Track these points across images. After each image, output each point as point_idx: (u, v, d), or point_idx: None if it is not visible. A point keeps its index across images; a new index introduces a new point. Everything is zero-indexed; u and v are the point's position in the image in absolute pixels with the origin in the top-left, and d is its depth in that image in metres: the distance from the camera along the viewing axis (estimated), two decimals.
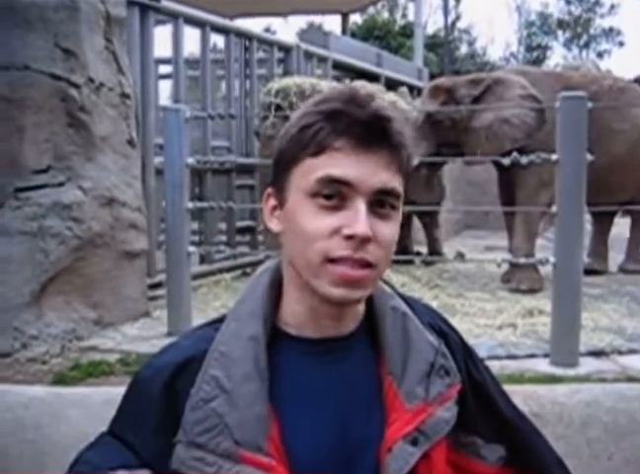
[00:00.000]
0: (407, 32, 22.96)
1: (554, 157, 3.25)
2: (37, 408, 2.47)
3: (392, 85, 8.46)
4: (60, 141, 3.52)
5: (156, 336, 3.67)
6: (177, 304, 3.74)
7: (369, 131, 0.89)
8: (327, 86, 5.32)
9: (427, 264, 6.09)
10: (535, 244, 5.36)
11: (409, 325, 1.00)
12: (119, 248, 3.84)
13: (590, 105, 3.25)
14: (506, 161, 3.62)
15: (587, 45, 33.25)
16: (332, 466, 0.91)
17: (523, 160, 3.49)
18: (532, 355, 3.35)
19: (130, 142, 4.03)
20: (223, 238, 5.88)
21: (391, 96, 6.31)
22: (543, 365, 3.19)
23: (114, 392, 2.49)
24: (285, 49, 6.55)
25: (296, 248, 0.92)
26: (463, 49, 32.45)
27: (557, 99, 3.29)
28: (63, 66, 3.51)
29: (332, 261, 0.88)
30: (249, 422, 0.88)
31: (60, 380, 2.99)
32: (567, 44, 33.41)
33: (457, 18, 31.78)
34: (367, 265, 0.89)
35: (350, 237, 0.87)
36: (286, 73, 6.35)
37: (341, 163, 0.88)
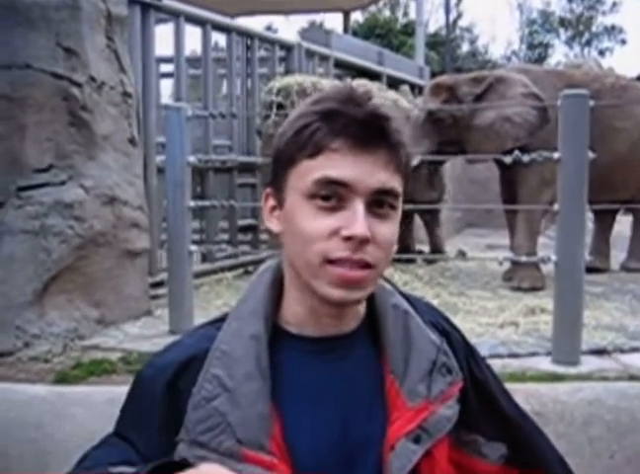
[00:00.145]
0: (408, 30, 22.96)
1: (556, 155, 3.25)
2: (39, 407, 2.47)
3: (394, 83, 8.46)
4: (62, 140, 3.52)
5: (158, 334, 3.67)
6: (179, 303, 3.74)
7: (366, 131, 0.88)
8: (328, 84, 5.31)
9: (428, 262, 6.08)
10: (537, 242, 5.36)
11: (410, 323, 1.00)
12: (120, 247, 3.84)
13: (592, 103, 3.24)
14: (507, 159, 3.62)
15: (588, 43, 33.20)
16: (334, 464, 0.91)
17: (525, 158, 3.48)
18: (534, 354, 3.35)
19: (132, 141, 4.03)
20: (225, 237, 5.88)
21: (392, 94, 6.30)
22: (545, 364, 3.19)
23: (116, 391, 2.50)
24: (287, 48, 6.54)
25: (296, 249, 0.92)
26: (465, 48, 32.43)
27: (559, 97, 3.28)
28: (65, 65, 3.51)
29: (331, 262, 0.88)
30: (251, 420, 0.88)
31: (62, 379, 2.99)
32: (569, 42, 33.37)
33: (459, 16, 31.75)
34: (366, 265, 0.89)
35: (348, 238, 0.87)
36: (288, 72, 6.34)
37: (338, 164, 0.88)
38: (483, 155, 5.11)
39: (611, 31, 32.79)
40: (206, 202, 4.48)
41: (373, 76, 8.00)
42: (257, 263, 5.48)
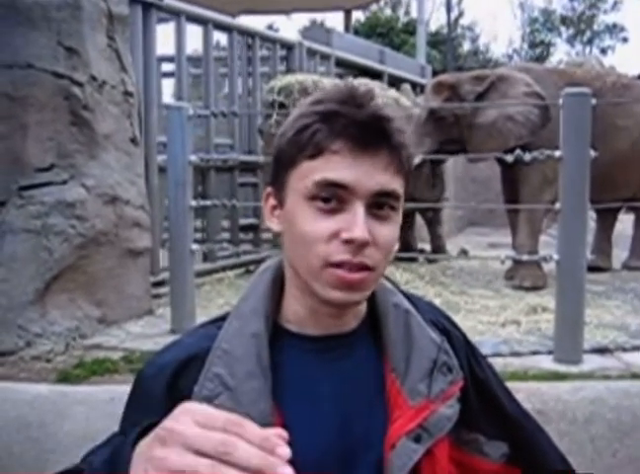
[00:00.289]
0: (410, 29, 22.94)
1: (557, 154, 3.25)
2: (41, 406, 2.48)
3: (395, 82, 8.46)
4: (63, 139, 3.53)
5: (160, 333, 3.67)
6: (180, 302, 3.75)
7: (367, 132, 0.88)
8: (329, 83, 5.31)
9: (430, 261, 6.08)
10: (539, 241, 5.35)
11: (411, 322, 0.99)
12: (122, 246, 3.85)
13: (593, 101, 3.24)
14: (509, 158, 3.61)
15: (590, 42, 33.14)
16: (334, 463, 0.91)
17: (527, 157, 3.48)
18: (536, 353, 3.35)
19: (133, 140, 4.03)
20: (226, 236, 5.88)
21: (394, 93, 6.30)
22: (547, 362, 3.19)
23: (117, 390, 2.50)
24: (288, 47, 6.54)
25: (296, 250, 0.92)
26: (466, 46, 32.40)
27: (560, 96, 3.28)
28: (66, 64, 3.52)
29: (331, 265, 0.88)
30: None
31: (64, 378, 3.00)
32: (570, 41, 33.31)
33: (460, 15, 31.74)
34: (366, 268, 0.89)
35: (348, 241, 0.87)
36: (289, 71, 6.34)
37: (338, 166, 0.87)
38: (485, 154, 5.11)
39: (613, 29, 32.74)
40: (208, 202, 4.48)
41: (375, 75, 7.99)
42: (258, 262, 5.48)
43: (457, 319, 1.14)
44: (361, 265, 0.88)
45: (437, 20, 30.96)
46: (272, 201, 0.97)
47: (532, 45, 33.14)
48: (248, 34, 6.04)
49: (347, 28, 12.66)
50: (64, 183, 3.52)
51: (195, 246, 3.83)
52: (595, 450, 2.40)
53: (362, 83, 5.53)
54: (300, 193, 0.90)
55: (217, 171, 5.60)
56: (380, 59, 8.77)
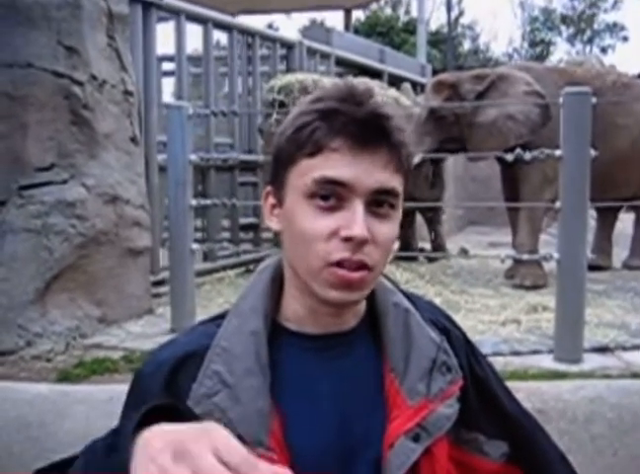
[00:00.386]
0: (410, 28, 22.92)
1: (558, 153, 3.24)
2: (41, 405, 2.47)
3: (395, 81, 8.45)
4: (64, 139, 3.53)
5: (160, 333, 3.67)
6: (180, 301, 3.75)
7: (366, 130, 0.87)
8: (329, 83, 5.31)
9: (430, 260, 6.08)
10: (539, 240, 5.35)
11: (411, 321, 0.99)
12: (122, 245, 3.85)
13: (594, 100, 3.24)
14: (509, 157, 3.61)
15: (590, 41, 33.12)
16: (333, 461, 0.91)
17: (527, 156, 3.48)
18: (536, 352, 3.35)
19: (133, 140, 4.03)
20: (226, 235, 5.88)
21: (394, 92, 6.30)
22: (547, 362, 3.19)
23: (118, 389, 2.50)
24: (288, 46, 6.54)
25: (296, 250, 0.92)
26: (466, 45, 32.37)
27: (561, 95, 3.28)
28: (66, 64, 3.52)
29: (331, 264, 0.88)
30: (251, 416, 0.88)
31: (64, 378, 3.00)
32: (570, 40, 33.29)
33: (460, 14, 31.70)
34: (365, 267, 0.89)
35: (347, 239, 0.87)
36: (289, 70, 6.34)
37: (337, 164, 0.87)
38: (485, 153, 5.11)
39: (613, 28, 32.71)
40: (208, 201, 4.48)
41: (375, 74, 7.99)
42: (258, 261, 5.46)
43: (457, 318, 1.14)
44: (361, 263, 0.88)
45: (437, 19, 31.02)
46: (271, 200, 0.97)
47: (533, 44, 33.12)
48: (248, 33, 6.04)
49: (347, 27, 12.66)
50: (64, 182, 3.52)
51: (195, 245, 3.83)
52: (595, 449, 2.40)
53: (362, 82, 5.53)
54: (299, 191, 0.90)
55: (217, 170, 5.60)
56: (380, 58, 8.77)
